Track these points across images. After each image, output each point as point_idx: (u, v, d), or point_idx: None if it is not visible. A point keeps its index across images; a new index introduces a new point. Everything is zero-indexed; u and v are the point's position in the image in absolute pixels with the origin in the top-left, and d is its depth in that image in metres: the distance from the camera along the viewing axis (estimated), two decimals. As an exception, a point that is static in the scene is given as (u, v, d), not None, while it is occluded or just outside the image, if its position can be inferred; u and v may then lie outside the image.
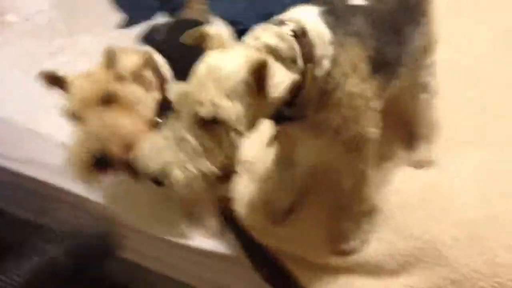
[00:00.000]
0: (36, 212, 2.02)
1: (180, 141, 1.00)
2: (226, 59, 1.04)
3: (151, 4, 2.72)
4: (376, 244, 1.46)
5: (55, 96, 2.04)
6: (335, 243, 1.48)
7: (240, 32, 2.28)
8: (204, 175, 1.03)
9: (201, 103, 1.01)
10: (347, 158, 1.34)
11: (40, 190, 1.96)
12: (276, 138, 1.44)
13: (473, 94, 1.81)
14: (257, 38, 1.10)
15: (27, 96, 2.10)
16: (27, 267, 0.76)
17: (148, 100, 1.44)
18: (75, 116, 1.38)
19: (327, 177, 1.58)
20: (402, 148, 1.68)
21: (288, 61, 1.09)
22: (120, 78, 1.39)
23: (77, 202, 1.83)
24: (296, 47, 1.11)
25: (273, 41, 1.09)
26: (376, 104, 1.30)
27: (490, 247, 1.36)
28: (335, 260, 1.48)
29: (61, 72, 1.42)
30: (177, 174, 0.99)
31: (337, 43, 1.18)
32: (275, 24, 1.15)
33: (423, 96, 1.62)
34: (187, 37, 1.16)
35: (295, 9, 1.23)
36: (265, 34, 1.11)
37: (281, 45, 1.09)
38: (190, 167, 1.00)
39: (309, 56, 1.13)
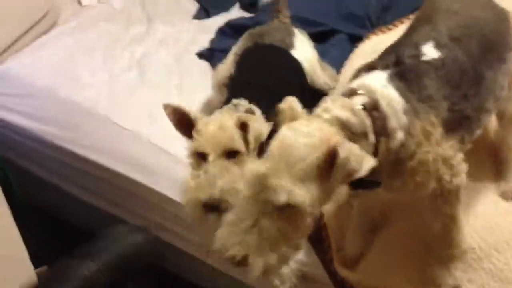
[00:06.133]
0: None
1: (259, 228, 1.03)
2: (300, 139, 1.04)
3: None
4: (468, 286, 1.41)
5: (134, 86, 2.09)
6: (425, 286, 1.44)
7: (320, 34, 2.29)
8: (282, 261, 1.07)
9: (275, 191, 1.01)
10: (433, 204, 1.33)
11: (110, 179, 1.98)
12: None
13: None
14: (327, 111, 1.09)
15: (109, 84, 2.12)
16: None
17: None
18: (199, 156, 1.49)
19: (407, 215, 1.54)
20: (491, 178, 1.60)
21: (359, 136, 1.09)
22: (246, 142, 1.52)
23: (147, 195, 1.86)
24: (367, 121, 1.10)
25: (343, 115, 1.08)
26: (459, 158, 1.28)
27: None
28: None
29: (192, 113, 1.52)
30: (259, 262, 1.03)
31: (411, 111, 1.16)
32: (345, 94, 1.15)
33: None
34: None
35: (364, 76, 1.21)
36: (335, 106, 1.10)
37: (353, 120, 1.08)
38: (271, 256, 1.04)
39: (382, 129, 1.12)
